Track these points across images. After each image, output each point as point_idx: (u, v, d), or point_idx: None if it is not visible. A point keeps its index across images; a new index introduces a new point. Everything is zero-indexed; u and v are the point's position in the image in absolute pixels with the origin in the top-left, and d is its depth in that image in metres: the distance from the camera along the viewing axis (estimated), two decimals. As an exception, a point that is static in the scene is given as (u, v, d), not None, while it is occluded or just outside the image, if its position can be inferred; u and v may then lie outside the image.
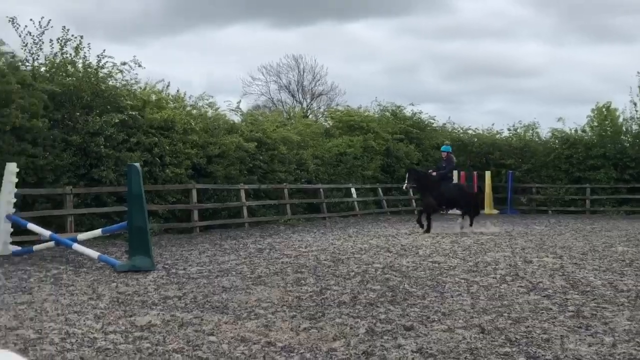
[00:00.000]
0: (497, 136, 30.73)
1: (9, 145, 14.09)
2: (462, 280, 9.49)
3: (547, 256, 12.45)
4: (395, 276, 9.83)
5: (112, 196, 15.97)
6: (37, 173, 14.67)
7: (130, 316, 7.03)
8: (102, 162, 15.79)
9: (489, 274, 10.18)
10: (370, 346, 5.87)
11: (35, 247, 12.31)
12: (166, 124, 17.44)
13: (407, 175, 18.19)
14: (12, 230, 12.49)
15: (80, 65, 16.31)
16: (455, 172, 27.05)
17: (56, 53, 16.05)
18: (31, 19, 15.43)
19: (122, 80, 17.14)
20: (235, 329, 6.48)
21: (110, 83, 16.82)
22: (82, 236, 12.00)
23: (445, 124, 30.54)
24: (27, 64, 15.58)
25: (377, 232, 17.32)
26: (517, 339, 6.14)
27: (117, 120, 15.93)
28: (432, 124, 29.30)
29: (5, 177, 12.41)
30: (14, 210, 12.53)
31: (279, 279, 9.52)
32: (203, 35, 65.10)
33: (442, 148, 19.12)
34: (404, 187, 19.31)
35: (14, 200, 12.53)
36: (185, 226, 17.46)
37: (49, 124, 14.92)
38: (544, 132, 30.34)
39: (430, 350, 5.76)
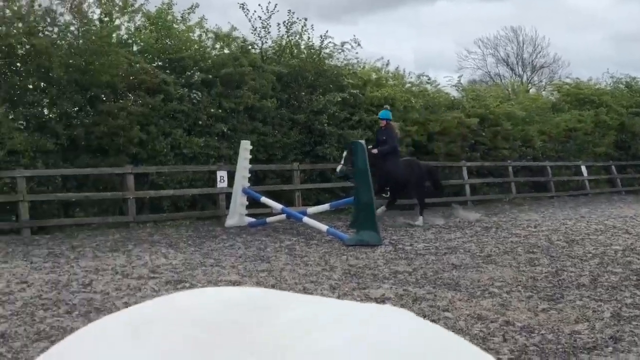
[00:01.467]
0: None
1: (242, 124, 15.03)
2: None
3: None
4: (639, 259, 9.03)
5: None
6: (267, 150, 15.48)
7: (364, 288, 7.10)
8: (326, 140, 16.26)
9: None
10: (617, 331, 5.42)
11: (269, 219, 12.95)
12: (386, 101, 17.50)
13: (343, 155, 13.22)
14: (247, 203, 13.25)
15: (303, 47, 16.88)
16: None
17: (282, 36, 16.76)
18: (259, 4, 16.19)
19: (344, 60, 17.49)
20: (470, 306, 6.28)
21: (332, 63, 17.21)
22: (311, 210, 12.44)
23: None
24: (257, 46, 16.43)
25: (612, 213, 16.08)
26: None
27: (339, 99, 16.29)
28: (674, 95, 26.61)
29: (240, 154, 13.18)
30: (248, 184, 13.28)
31: (510, 259, 9.14)
32: (413, 9, 64.60)
33: (380, 114, 14.13)
34: (337, 170, 13.43)
35: (249, 175, 13.27)
36: (406, 203, 17.42)
37: (277, 104, 15.65)
38: None
39: (689, 340, 5.18)
